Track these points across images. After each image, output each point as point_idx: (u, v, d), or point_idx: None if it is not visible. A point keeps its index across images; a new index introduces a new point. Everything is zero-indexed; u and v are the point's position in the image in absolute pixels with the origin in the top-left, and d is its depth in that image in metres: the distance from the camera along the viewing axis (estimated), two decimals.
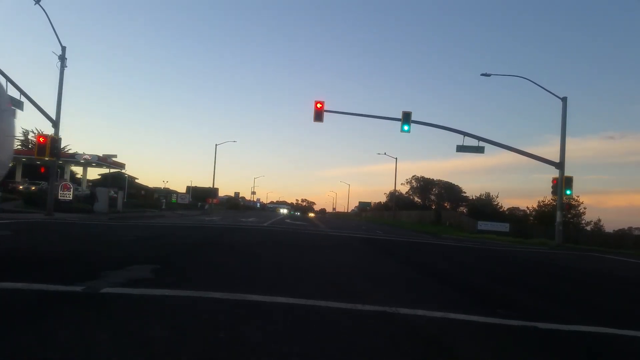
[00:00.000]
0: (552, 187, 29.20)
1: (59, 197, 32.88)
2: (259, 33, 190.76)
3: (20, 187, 47.76)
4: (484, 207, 54.73)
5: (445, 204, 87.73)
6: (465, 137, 29.17)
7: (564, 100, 29.22)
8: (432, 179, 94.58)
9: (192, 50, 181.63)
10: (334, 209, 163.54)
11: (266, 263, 10.15)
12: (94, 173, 75.04)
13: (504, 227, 38.08)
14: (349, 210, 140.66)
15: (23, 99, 22.54)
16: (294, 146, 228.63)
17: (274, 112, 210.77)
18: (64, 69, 25.51)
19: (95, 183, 65.04)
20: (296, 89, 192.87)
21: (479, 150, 29.31)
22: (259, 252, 12.35)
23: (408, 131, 28.81)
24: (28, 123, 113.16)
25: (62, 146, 68.51)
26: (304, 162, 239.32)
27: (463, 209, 77.74)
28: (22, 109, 22.46)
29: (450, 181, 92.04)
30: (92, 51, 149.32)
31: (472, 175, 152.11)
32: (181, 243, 13.91)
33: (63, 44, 25.26)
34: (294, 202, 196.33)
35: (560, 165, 28.69)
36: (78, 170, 70.26)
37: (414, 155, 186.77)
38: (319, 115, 27.87)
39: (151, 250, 11.16)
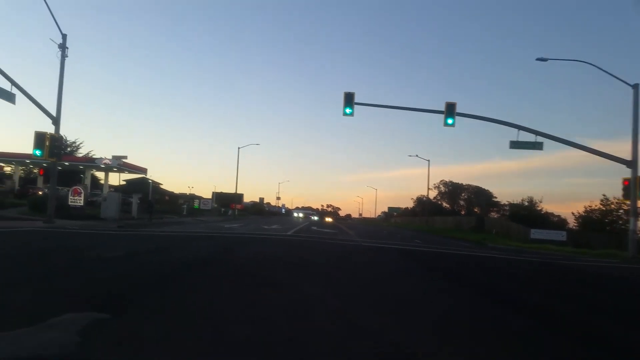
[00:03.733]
0: (623, 189, 24.99)
1: (70, 203, 30.49)
2: (280, 33, 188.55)
3: (40, 192, 46.13)
4: (529, 213, 50.21)
5: (475, 209, 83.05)
6: (520, 131, 25.28)
7: (636, 87, 25.04)
8: (461, 184, 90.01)
9: (215, 51, 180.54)
10: (360, 214, 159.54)
11: (284, 303, 6.75)
12: (119, 179, 73.57)
13: (561, 235, 33.83)
14: (376, 216, 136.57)
15: (15, 91, 19.94)
16: (319, 151, 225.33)
17: (299, 115, 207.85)
18: (64, 59, 22.93)
19: (118, 189, 63.29)
20: (322, 90, 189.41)
21: (537, 146, 25.39)
22: (276, 277, 8.97)
23: (452, 124, 25.13)
24: (26, 121, 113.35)
25: (86, 152, 67.87)
26: (329, 167, 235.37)
27: (494, 214, 72.98)
28: (14, 103, 19.88)
29: (480, 185, 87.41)
30: (114, 56, 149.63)
31: (500, 180, 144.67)
32: (177, 261, 10.72)
33: (64, 32, 22.66)
34: (320, 207, 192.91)
35: (632, 164, 24.49)
36: (101, 175, 68.82)
37: (442, 159, 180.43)
38: (349, 102, 24.45)
39: (123, 277, 7.96)
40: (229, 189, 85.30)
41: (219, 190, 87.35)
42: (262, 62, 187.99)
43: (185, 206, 53.35)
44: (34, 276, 7.58)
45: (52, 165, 23.02)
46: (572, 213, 48.41)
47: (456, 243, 29.04)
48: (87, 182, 54.90)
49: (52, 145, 22.06)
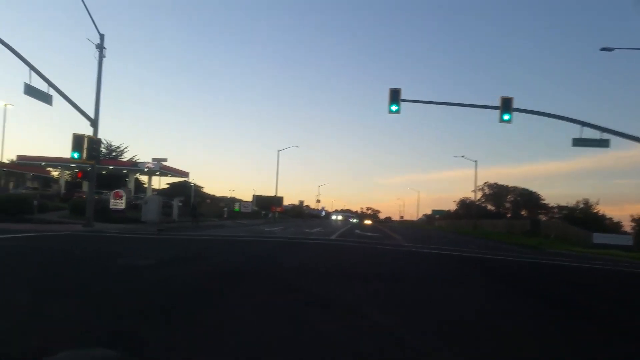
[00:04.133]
0: None
1: (111, 206, 30.24)
2: (320, 32, 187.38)
3: (84, 196, 46.63)
4: (584, 217, 46.89)
5: (523, 212, 79.13)
6: (584, 127, 22.93)
7: None
8: (506, 186, 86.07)
9: (256, 53, 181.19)
10: (401, 217, 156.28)
11: (342, 335, 5.26)
12: (162, 183, 74.47)
13: (627, 240, 30.91)
14: (417, 219, 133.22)
15: (52, 92, 19.48)
16: (359, 153, 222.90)
17: (339, 117, 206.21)
18: (102, 60, 22.44)
19: (161, 192, 63.83)
20: (362, 91, 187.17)
21: (603, 143, 22.94)
22: (328, 294, 7.52)
23: (509, 121, 23.06)
24: (65, 124, 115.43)
25: (130, 157, 68.94)
26: (368, 169, 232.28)
27: (543, 217, 69.04)
28: (50, 104, 19.43)
29: (527, 187, 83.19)
30: (156, 59, 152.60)
31: (544, 181, 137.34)
32: (213, 271, 9.50)
33: (101, 32, 22.15)
34: (359, 210, 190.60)
35: None
36: (145, 179, 69.70)
37: (485, 160, 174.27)
38: (395, 98, 22.81)
39: (148, 294, 6.76)
40: (268, 191, 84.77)
41: (259, 194, 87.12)
42: (303, 62, 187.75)
43: (226, 209, 52.87)
44: (40, 291, 6.47)
45: (91, 167, 22.56)
46: (631, 216, 44.86)
47: (512, 249, 26.83)
48: (131, 185, 55.39)
49: (90, 148, 21.57)
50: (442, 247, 22.01)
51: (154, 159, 31.70)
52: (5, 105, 42.67)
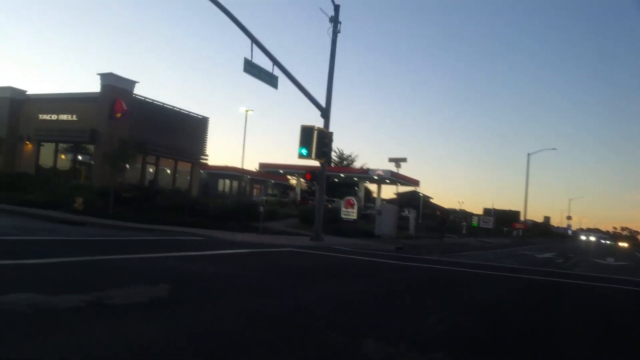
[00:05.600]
0: None
1: (342, 216, 26.50)
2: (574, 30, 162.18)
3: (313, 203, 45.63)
4: None
5: None
6: None
7: None
8: None
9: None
10: None
11: None
12: (389, 192, 71.48)
13: None
14: None
15: (278, 72, 15.81)
16: (614, 165, 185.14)
17: (594, 121, 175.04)
18: (336, 36, 18.21)
19: (390, 202, 60.30)
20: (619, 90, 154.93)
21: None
22: None
23: None
24: (287, 112, 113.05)
25: (360, 164, 67.32)
26: (626, 183, 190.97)
27: None
28: (275, 86, 15.85)
29: None
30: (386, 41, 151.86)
31: None
32: None
33: (336, 2, 17.94)
34: (611, 230, 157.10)
35: None
36: (373, 188, 67.36)
37: None
38: None
39: None
40: (503, 205, 73.79)
41: (495, 207, 76.82)
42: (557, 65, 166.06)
43: (464, 224, 45.55)
44: None
45: (321, 167, 18.46)
46: None
47: None
48: (361, 194, 52.87)
49: (320, 143, 17.39)
50: None
51: (391, 159, 26.81)
52: (247, 111, 44.05)
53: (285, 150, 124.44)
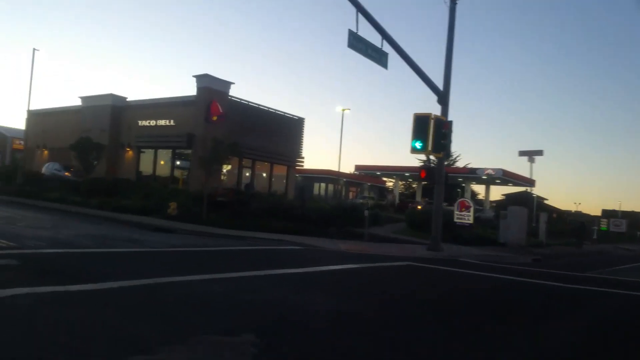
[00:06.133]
0: None
1: (455, 220, 23.06)
2: None
3: (419, 206, 42.28)
4: None
5: None
6: None
7: None
8: None
9: None
10: None
11: None
12: (495, 193, 65.58)
13: None
14: None
15: (388, 48, 13.04)
16: None
17: None
18: (455, 4, 15.07)
19: (498, 204, 54.91)
20: None
21: None
22: None
23: None
24: (382, 111, 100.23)
25: (464, 164, 62.41)
26: None
27: None
28: (385, 65, 13.10)
29: None
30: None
31: None
32: None
33: None
34: None
35: None
36: (479, 189, 62.12)
37: None
38: None
39: None
40: (630, 205, 64.14)
41: (622, 209, 67.40)
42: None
43: (595, 229, 39.37)
44: None
45: (438, 162, 15.34)
46: None
47: None
48: (467, 196, 48.31)
49: (438, 134, 14.34)
50: None
51: (523, 152, 22.87)
52: (343, 110, 41.79)
53: (379, 152, 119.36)
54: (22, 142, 37.77)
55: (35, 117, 34.75)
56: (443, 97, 15.17)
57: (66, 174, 28.43)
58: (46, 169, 29.87)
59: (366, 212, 16.94)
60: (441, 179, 15.57)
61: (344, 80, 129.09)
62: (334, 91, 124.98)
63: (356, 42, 12.09)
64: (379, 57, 12.89)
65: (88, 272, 6.78)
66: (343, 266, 10.00)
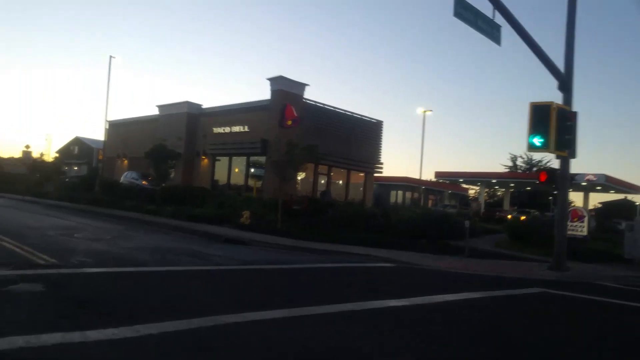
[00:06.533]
0: None
1: (568, 232, 19.72)
2: None
3: (509, 216, 38.44)
4: None
5: None
6: None
7: None
8: None
9: None
10: None
11: None
12: (593, 200, 58.98)
13: None
14: None
15: (501, 20, 10.51)
16: None
17: None
18: None
19: (597, 213, 49.20)
20: None
21: None
22: None
23: None
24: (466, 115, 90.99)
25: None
26: None
27: None
28: (498, 42, 10.60)
29: None
30: None
31: None
32: None
33: None
34: None
35: None
36: (575, 197, 56.10)
37: None
38: None
39: None
40: None
41: None
42: None
43: None
44: None
45: (562, 162, 12.41)
46: None
47: None
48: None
49: (562, 127, 11.53)
50: None
51: None
52: (424, 111, 38.93)
53: (461, 158, 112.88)
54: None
55: (114, 128, 35.38)
56: (565, 83, 12.29)
57: (143, 182, 28.21)
58: (124, 177, 29.97)
59: (467, 223, 14.33)
60: (566, 182, 12.66)
61: (415, 85, 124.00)
62: (413, 93, 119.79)
63: (463, 11, 9.71)
64: (491, 31, 10.41)
65: (126, 304, 5.04)
66: (459, 296, 7.59)
